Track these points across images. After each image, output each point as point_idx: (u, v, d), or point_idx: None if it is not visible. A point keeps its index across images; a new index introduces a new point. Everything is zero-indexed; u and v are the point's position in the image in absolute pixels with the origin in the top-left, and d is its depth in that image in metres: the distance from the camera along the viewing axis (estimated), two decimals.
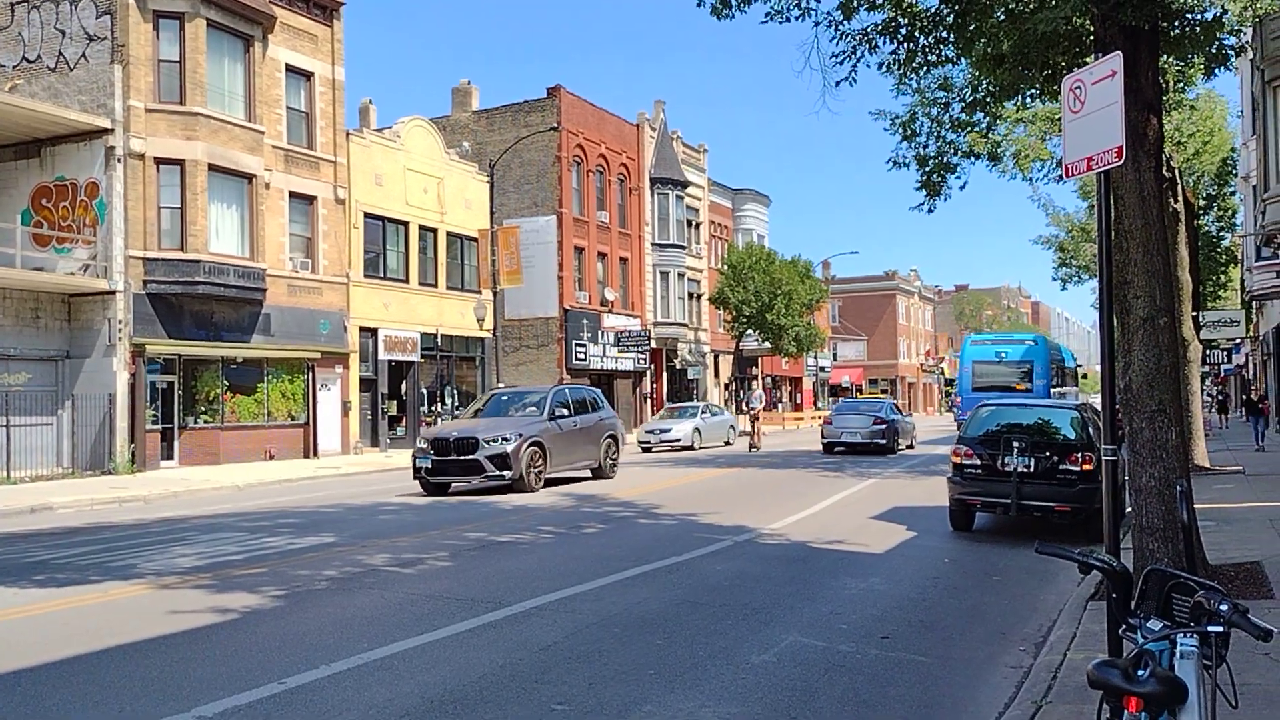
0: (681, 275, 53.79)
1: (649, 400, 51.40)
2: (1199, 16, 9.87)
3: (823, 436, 32.81)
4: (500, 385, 33.29)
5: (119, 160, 26.36)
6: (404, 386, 36.14)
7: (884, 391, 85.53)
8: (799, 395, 73.86)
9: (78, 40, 27.38)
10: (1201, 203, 33.54)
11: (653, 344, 49.98)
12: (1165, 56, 11.45)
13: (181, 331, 27.48)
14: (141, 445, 26.37)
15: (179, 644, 7.98)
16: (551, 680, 6.87)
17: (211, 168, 27.59)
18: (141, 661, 7.46)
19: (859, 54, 10.34)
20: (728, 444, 39.27)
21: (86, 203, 26.74)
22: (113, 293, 26.15)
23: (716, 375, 59.92)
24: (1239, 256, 41.30)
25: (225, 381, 29.18)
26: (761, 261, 52.45)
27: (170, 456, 27.43)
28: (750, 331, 53.58)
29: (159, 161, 27.02)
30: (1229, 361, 57.39)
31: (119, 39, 26.68)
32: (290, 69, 31.19)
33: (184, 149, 27.12)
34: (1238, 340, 49.17)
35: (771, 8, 10.23)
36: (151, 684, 6.87)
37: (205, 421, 28.49)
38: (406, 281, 36.29)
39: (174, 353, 27.47)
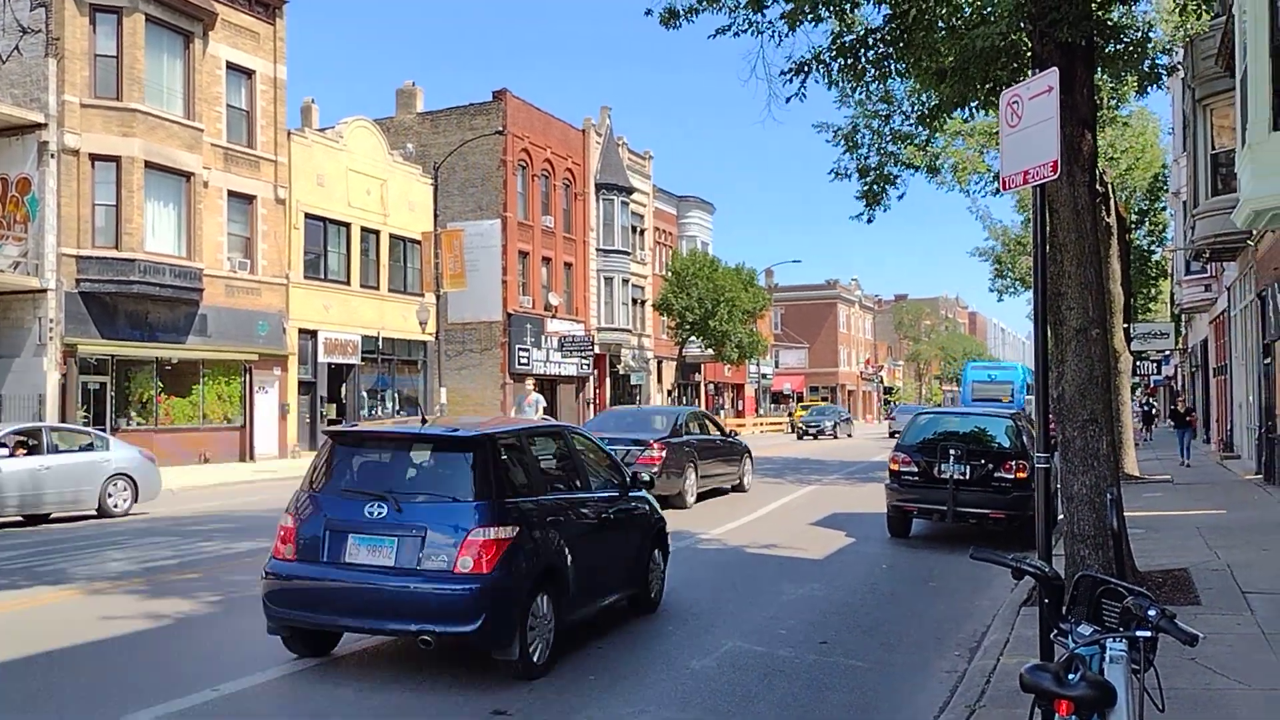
0: (626, 281, 53.83)
1: (592, 406, 51.36)
2: (1133, 34, 10.14)
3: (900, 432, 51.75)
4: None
5: (52, 156, 25.77)
6: (344, 390, 35.70)
7: (824, 399, 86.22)
8: (741, 402, 74.25)
9: (10, 33, 26.71)
10: (1133, 217, 34.32)
11: (596, 349, 49.93)
12: (1100, 74, 11.72)
13: (115, 331, 26.91)
14: None
15: (110, 650, 7.82)
16: (491, 685, 6.84)
17: (148, 165, 27.07)
18: (71, 668, 7.30)
19: (808, 69, 10.44)
20: None
21: (18, 198, 26.09)
22: (44, 291, 25.52)
23: (660, 381, 60.04)
24: (1169, 270, 42.34)
25: (159, 383, 28.62)
26: (705, 269, 52.72)
27: None
28: (694, 338, 53.81)
29: (94, 158, 26.45)
30: (1159, 373, 58.78)
31: (54, 32, 26.08)
32: (231, 66, 30.72)
33: (120, 145, 26.58)
34: (1167, 352, 50.38)
35: (721, 25, 10.29)
36: (82, 691, 6.73)
37: (138, 424, 27.89)
38: (348, 283, 35.88)
39: (107, 353, 26.88)
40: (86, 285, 26.13)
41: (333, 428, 9.93)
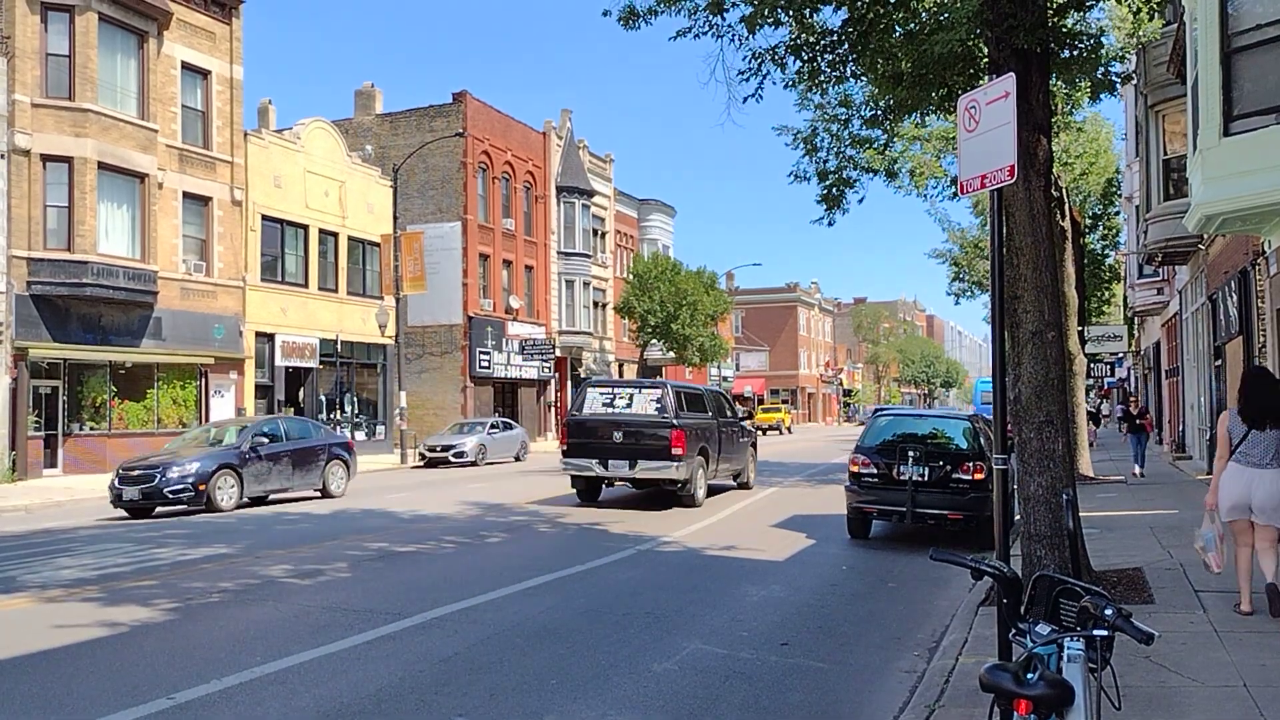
0: (587, 284, 53.79)
1: (553, 409, 51.23)
2: (1087, 41, 10.27)
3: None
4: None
5: (2, 156, 25.29)
6: (302, 394, 35.36)
7: (785, 402, 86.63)
8: None
9: None
10: (1087, 222, 34.81)
11: (557, 353, 49.83)
12: (1055, 80, 11.86)
13: (67, 335, 26.48)
14: (23, 453, 25.31)
15: (64, 658, 7.69)
16: (452, 691, 6.80)
17: (101, 166, 26.67)
18: (23, 677, 7.16)
19: (765, 71, 10.48)
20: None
21: None
22: None
23: None
24: (1122, 274, 42.99)
25: (113, 387, 28.19)
26: (667, 272, 52.75)
27: (54, 465, 26.37)
28: (655, 341, 53.83)
29: (45, 158, 26.02)
30: (1112, 375, 59.65)
31: (4, 31, 25.61)
32: (186, 66, 30.34)
33: (72, 146, 26.16)
34: (1121, 354, 51.13)
35: (681, 26, 10.33)
36: (34, 700, 6.60)
37: (91, 428, 27.48)
38: (306, 286, 35.53)
39: (59, 356, 26.44)
40: (38, 288, 25.70)
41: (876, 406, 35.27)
